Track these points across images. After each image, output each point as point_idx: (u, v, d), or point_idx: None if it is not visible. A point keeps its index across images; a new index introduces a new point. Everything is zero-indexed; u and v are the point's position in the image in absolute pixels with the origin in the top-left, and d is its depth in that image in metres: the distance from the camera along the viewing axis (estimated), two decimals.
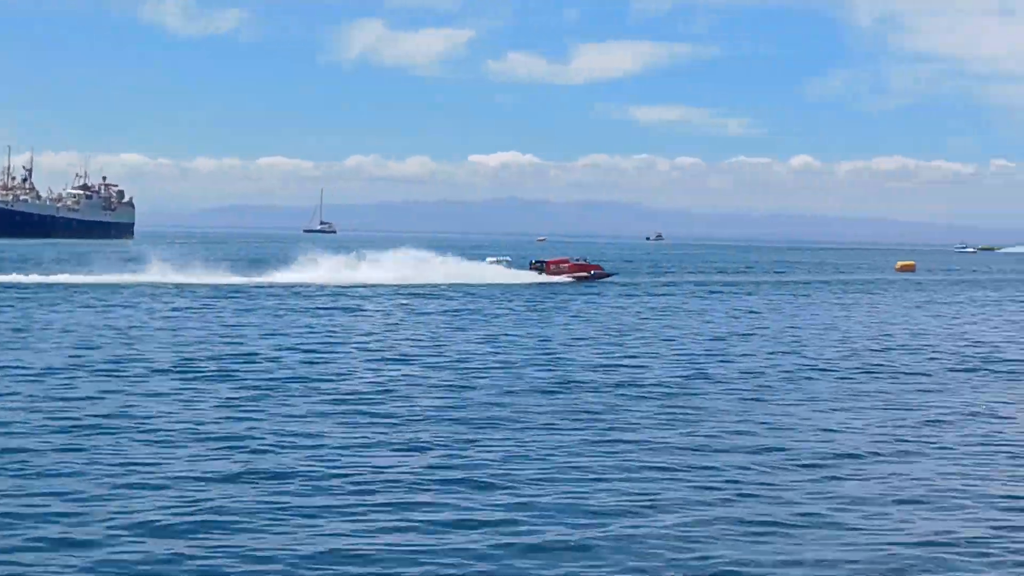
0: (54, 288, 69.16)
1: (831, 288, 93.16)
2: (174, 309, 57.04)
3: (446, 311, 60.18)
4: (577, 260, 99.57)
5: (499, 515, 18.30)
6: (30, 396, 28.27)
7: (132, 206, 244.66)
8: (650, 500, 19.35)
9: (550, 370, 35.93)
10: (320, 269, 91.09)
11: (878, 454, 23.75)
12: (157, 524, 17.29)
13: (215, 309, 57.92)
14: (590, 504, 18.97)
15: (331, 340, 44.47)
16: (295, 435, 24.12)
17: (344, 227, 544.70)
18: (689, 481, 20.88)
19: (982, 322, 61.00)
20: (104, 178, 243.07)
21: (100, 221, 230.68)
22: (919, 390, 33.45)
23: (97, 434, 23.73)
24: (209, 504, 18.50)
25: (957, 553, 16.94)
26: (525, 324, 53.22)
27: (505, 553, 16.40)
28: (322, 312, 57.96)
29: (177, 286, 74.15)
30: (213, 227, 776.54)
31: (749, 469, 22.00)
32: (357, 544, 16.65)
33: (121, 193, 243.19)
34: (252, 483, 20.01)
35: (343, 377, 33.54)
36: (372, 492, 19.61)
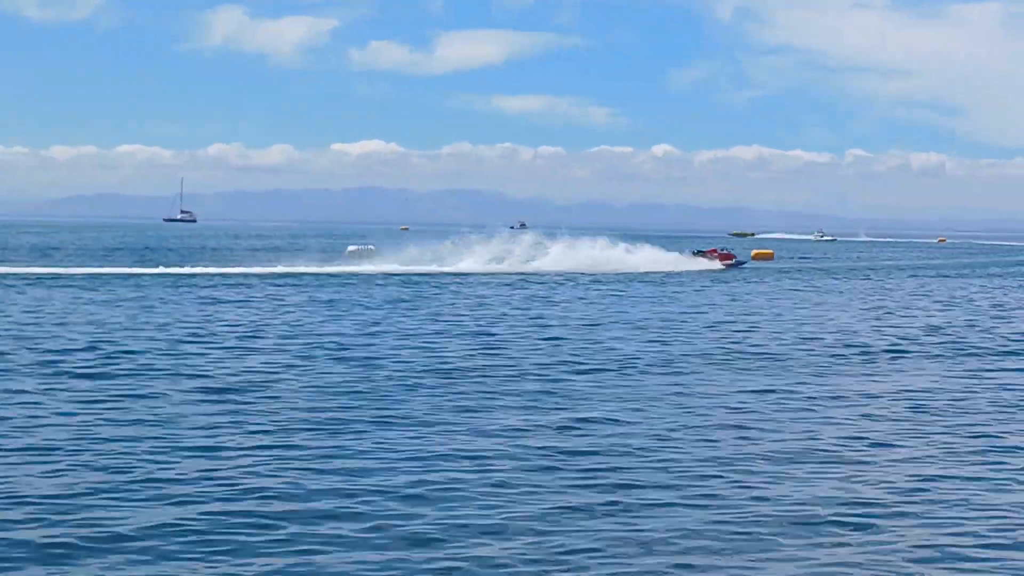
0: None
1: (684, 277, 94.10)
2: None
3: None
4: (723, 250, 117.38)
5: None
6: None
7: None
8: None
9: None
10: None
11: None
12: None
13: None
14: None
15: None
16: None
17: (205, 216, 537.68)
18: None
19: (839, 308, 62.74)
20: None
21: None
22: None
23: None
24: None
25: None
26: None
27: None
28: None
29: None
30: (70, 216, 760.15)
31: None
32: None
33: None
34: None
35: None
36: None
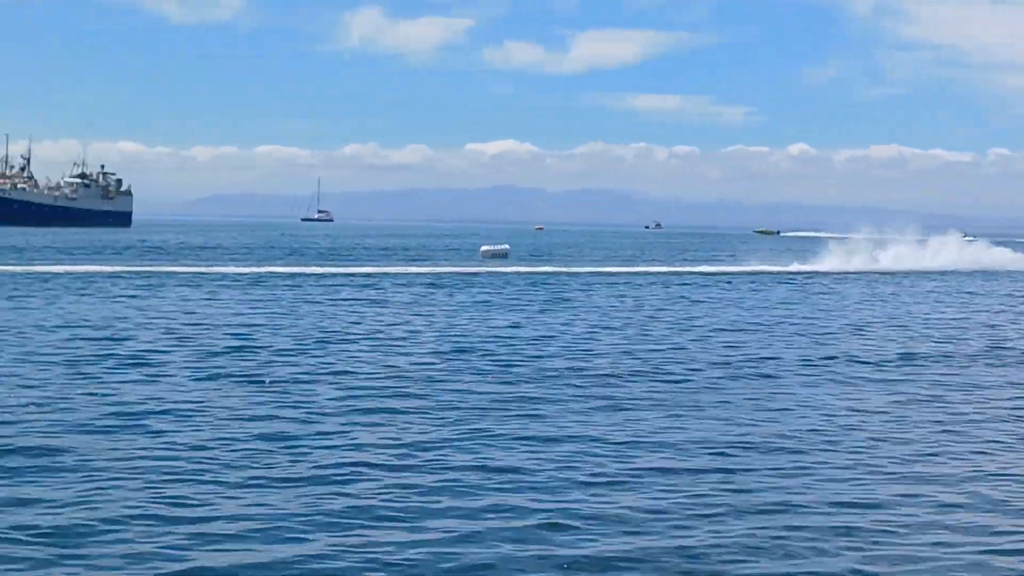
0: None
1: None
2: None
3: None
4: None
5: None
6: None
7: (130, 195, 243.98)
8: None
9: None
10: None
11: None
12: None
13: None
14: None
15: None
16: None
17: (341, 216, 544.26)
18: None
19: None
20: (102, 167, 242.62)
21: (97, 210, 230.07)
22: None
23: None
24: None
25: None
26: None
27: None
28: None
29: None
30: (209, 216, 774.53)
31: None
32: None
33: (119, 182, 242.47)
34: None
35: None
36: None
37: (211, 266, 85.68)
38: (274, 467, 19.39)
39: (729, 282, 79.72)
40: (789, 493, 18.61)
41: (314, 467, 19.41)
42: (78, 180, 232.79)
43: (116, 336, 37.55)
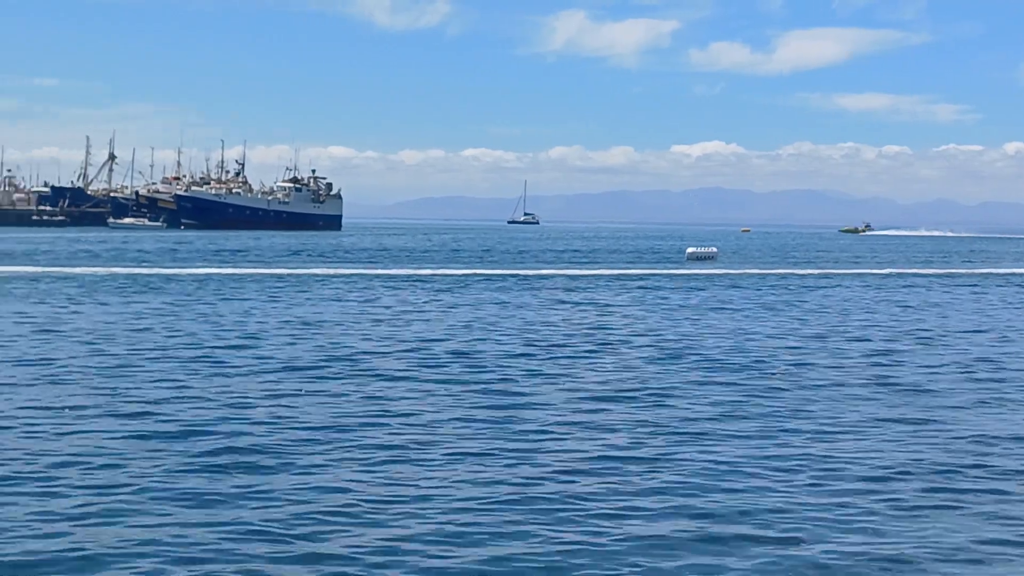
0: None
1: None
2: None
3: None
4: None
5: None
6: None
7: (340, 198, 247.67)
8: None
9: None
10: None
11: None
12: None
13: None
14: None
15: None
16: None
17: (547, 218, 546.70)
18: None
19: None
20: (313, 171, 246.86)
21: (309, 213, 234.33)
22: None
23: None
24: None
25: None
26: None
27: None
28: None
29: None
30: (416, 219, 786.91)
31: None
32: None
33: (329, 186, 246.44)
34: None
35: None
36: None
37: (439, 268, 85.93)
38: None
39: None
40: None
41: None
42: (290, 184, 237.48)
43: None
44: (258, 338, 37.13)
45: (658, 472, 18.89)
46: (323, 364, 31.13)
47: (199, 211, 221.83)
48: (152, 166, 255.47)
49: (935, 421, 23.94)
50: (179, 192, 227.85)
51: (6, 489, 16.81)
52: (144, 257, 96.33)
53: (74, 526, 15.17)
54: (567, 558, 14.54)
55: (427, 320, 45.17)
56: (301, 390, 26.40)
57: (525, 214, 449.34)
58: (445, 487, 17.69)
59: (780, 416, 24.20)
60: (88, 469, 18.18)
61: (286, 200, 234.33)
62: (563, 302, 56.40)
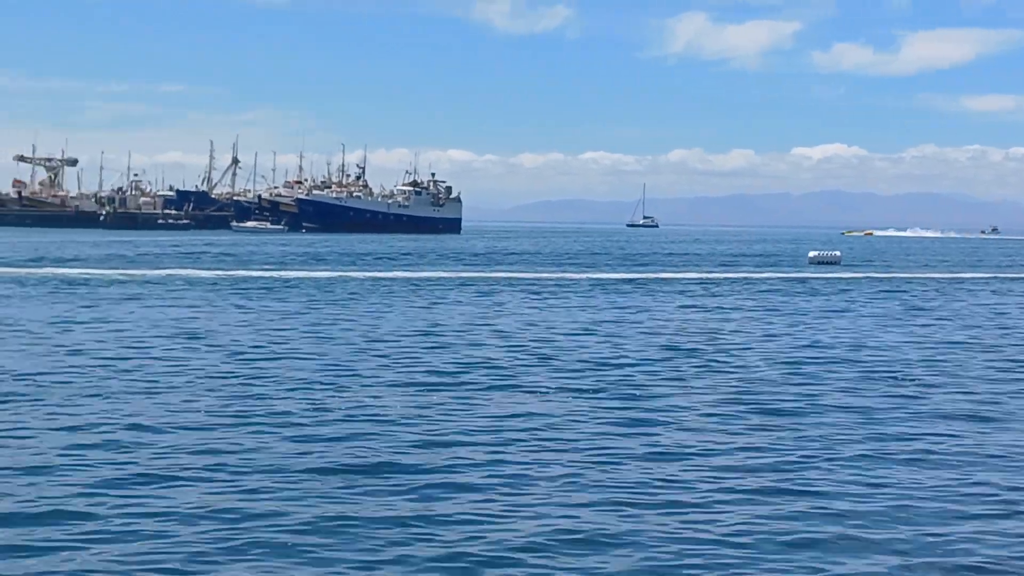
0: None
1: None
2: None
3: None
4: None
5: None
6: None
7: (459, 202, 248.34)
8: None
9: None
10: None
11: None
12: None
13: None
14: None
15: None
16: None
17: (666, 221, 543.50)
18: None
19: None
20: (433, 174, 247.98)
21: (428, 217, 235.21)
22: None
23: None
24: None
25: None
26: None
27: None
28: None
29: None
30: (535, 222, 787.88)
31: None
32: None
33: (449, 189, 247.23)
34: None
35: None
36: None
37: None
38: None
39: None
40: None
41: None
42: (410, 188, 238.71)
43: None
44: (385, 343, 36.76)
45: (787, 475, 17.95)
46: (460, 371, 30.70)
47: (320, 214, 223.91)
48: (274, 170, 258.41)
49: None
50: (301, 196, 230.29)
51: (164, 491, 16.45)
52: (308, 259, 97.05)
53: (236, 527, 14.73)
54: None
55: (555, 324, 44.57)
56: (412, 400, 25.84)
57: (644, 217, 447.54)
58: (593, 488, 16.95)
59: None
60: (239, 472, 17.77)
61: (406, 203, 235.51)
62: (695, 307, 55.54)
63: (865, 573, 14.13)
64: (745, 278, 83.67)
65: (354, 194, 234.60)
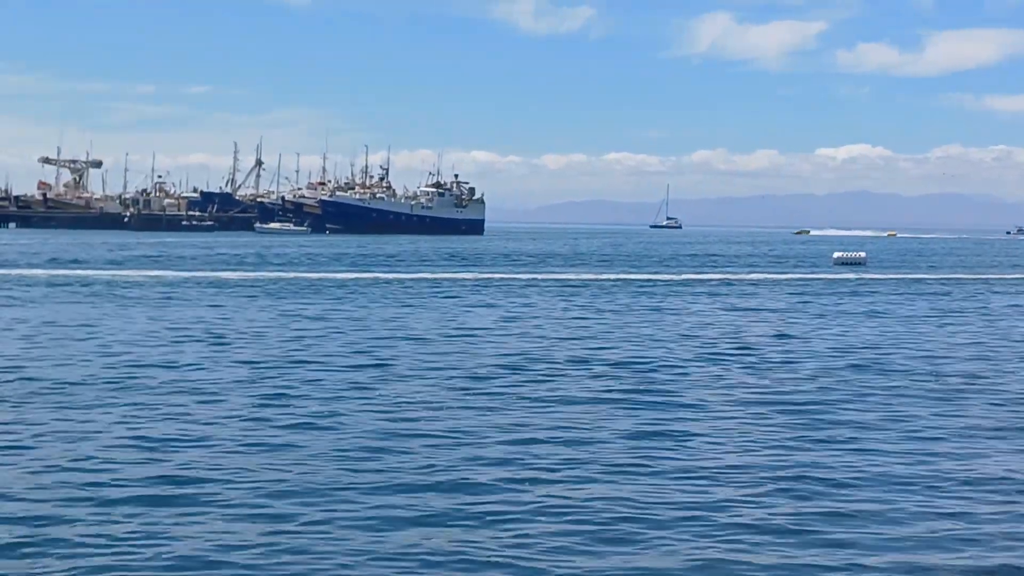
0: None
1: None
2: None
3: None
4: None
5: None
6: None
7: (482, 203, 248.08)
8: None
9: None
10: None
11: None
12: None
13: None
14: None
15: None
16: None
17: (689, 222, 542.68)
18: None
19: None
20: (456, 175, 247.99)
21: (451, 218, 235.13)
22: None
23: None
24: None
25: None
26: None
27: None
28: None
29: None
30: (558, 223, 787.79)
31: None
32: None
33: (472, 190, 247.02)
34: None
35: None
36: None
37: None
38: None
39: None
40: None
41: None
42: (433, 189, 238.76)
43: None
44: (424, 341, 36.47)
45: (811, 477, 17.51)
46: (507, 371, 30.70)
47: (344, 216, 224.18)
48: (298, 171, 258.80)
49: None
50: (324, 197, 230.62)
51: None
52: (344, 261, 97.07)
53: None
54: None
55: (588, 326, 44.25)
56: (441, 405, 25.44)
57: (668, 218, 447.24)
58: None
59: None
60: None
61: (429, 205, 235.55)
62: (736, 309, 55.21)
63: None
64: (770, 279, 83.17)
65: (377, 195, 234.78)
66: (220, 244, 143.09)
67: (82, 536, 14.81)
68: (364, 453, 20.11)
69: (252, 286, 65.85)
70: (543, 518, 16.07)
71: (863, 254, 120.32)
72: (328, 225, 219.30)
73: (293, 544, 14.71)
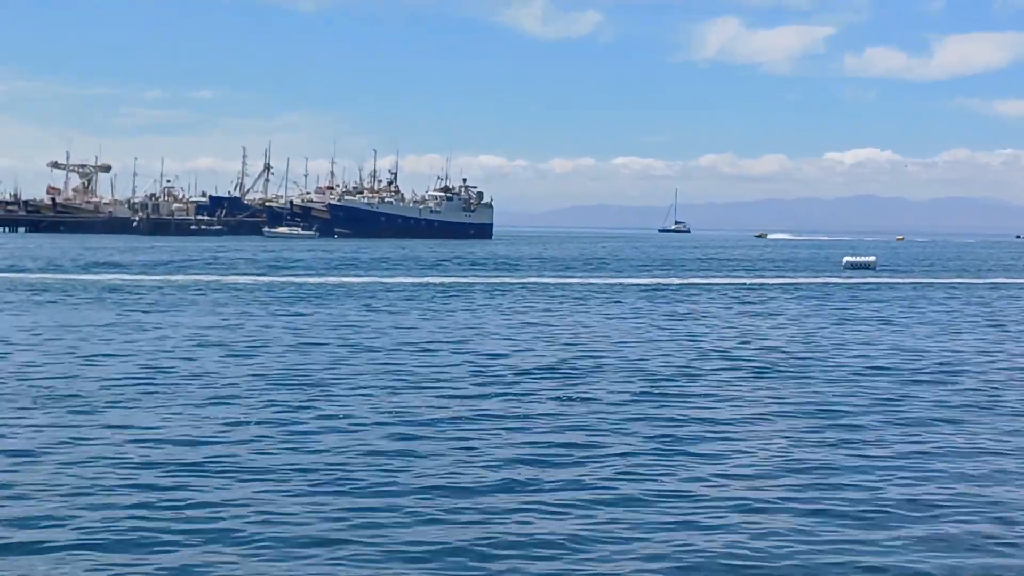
0: None
1: None
2: None
3: None
4: None
5: None
6: None
7: (490, 207, 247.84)
8: None
9: None
10: None
11: None
12: None
13: None
14: None
15: None
16: None
17: (697, 226, 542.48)
18: None
19: None
20: (464, 180, 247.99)
21: (460, 222, 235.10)
22: None
23: None
24: None
25: None
26: None
27: None
28: None
29: None
30: (566, 227, 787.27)
31: None
32: None
33: (480, 194, 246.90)
34: None
35: None
36: None
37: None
38: None
39: None
40: None
41: None
42: (441, 193, 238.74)
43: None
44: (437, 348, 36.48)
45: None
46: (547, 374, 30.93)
47: (352, 220, 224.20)
48: (306, 176, 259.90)
49: None
50: (332, 201, 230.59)
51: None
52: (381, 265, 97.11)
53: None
54: None
55: (605, 330, 44.28)
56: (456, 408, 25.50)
57: (676, 222, 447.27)
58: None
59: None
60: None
61: (437, 209, 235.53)
62: (751, 313, 55.32)
63: None
64: (784, 283, 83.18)
65: (386, 200, 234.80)
66: (267, 247, 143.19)
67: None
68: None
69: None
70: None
71: (873, 258, 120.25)
72: (336, 229, 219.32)
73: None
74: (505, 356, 35.23)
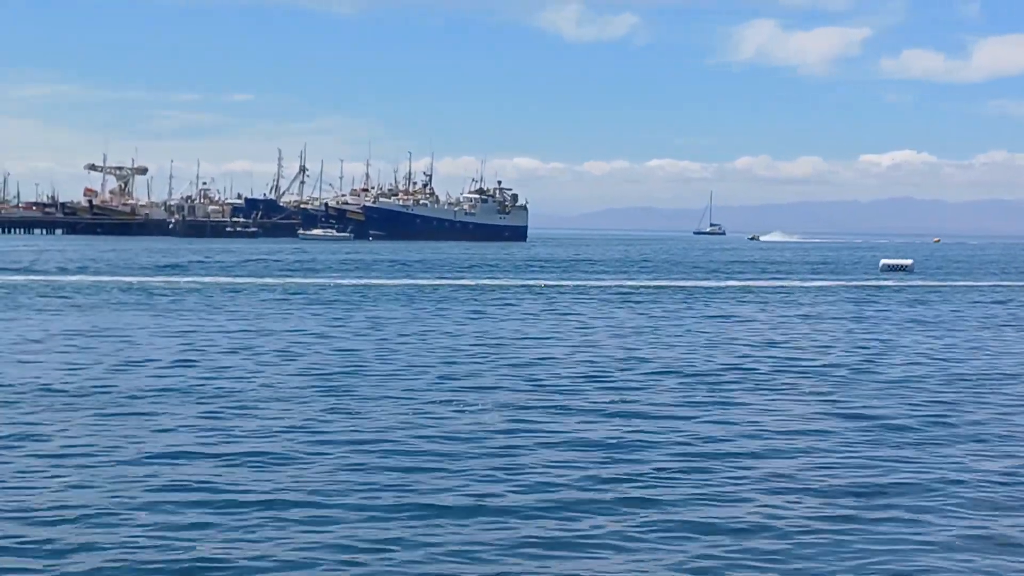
0: None
1: None
2: None
3: None
4: None
5: None
6: None
7: (525, 209, 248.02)
8: None
9: None
10: None
11: None
12: None
13: None
14: None
15: None
16: None
17: (733, 229, 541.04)
18: None
19: None
20: (499, 182, 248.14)
21: (494, 224, 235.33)
22: None
23: None
24: None
25: None
26: None
27: None
28: None
29: None
30: (601, 230, 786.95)
31: None
32: None
33: (515, 197, 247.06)
34: None
35: None
36: None
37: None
38: None
39: None
40: None
41: None
42: (476, 195, 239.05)
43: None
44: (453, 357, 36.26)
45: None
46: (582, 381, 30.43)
47: (387, 222, 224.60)
48: (341, 178, 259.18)
49: None
50: (367, 203, 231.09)
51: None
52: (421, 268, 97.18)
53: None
54: None
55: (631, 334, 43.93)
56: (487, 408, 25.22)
57: (711, 225, 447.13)
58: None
59: None
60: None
61: (472, 211, 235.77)
62: (795, 316, 54.77)
63: None
64: (825, 287, 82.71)
65: (420, 202, 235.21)
66: (303, 249, 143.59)
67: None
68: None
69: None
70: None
71: (910, 261, 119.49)
72: (371, 231, 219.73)
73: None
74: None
